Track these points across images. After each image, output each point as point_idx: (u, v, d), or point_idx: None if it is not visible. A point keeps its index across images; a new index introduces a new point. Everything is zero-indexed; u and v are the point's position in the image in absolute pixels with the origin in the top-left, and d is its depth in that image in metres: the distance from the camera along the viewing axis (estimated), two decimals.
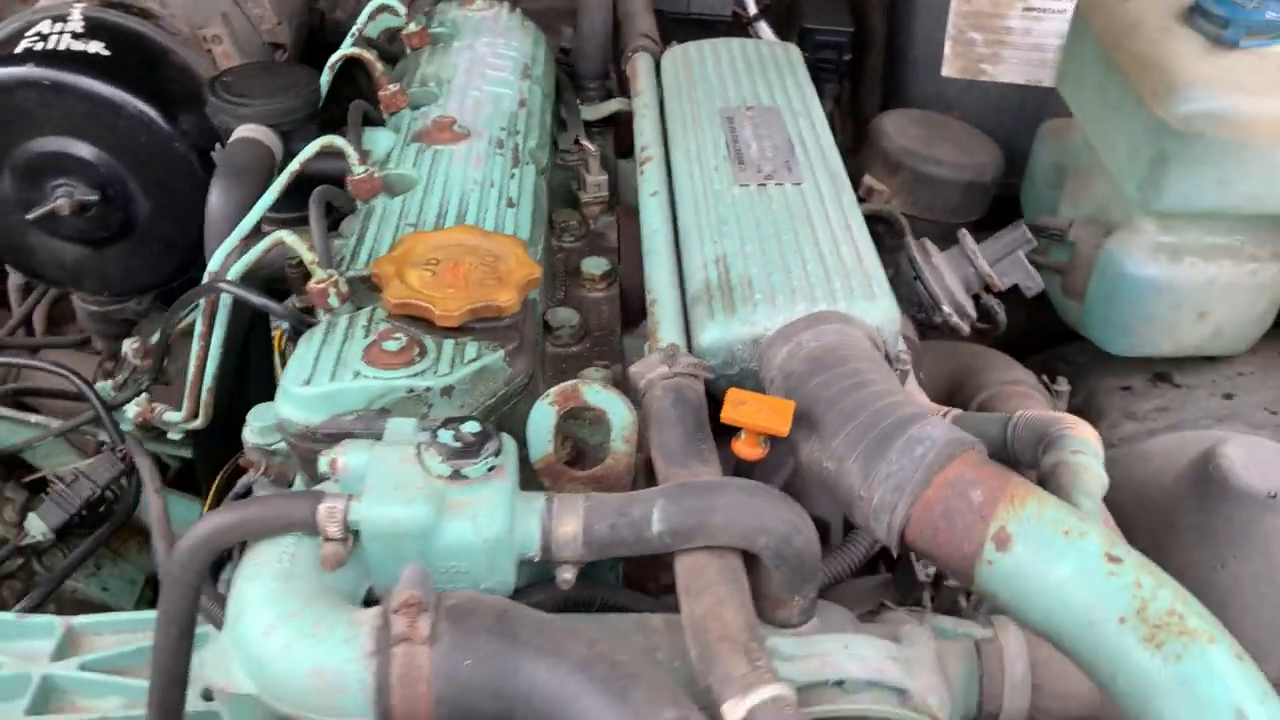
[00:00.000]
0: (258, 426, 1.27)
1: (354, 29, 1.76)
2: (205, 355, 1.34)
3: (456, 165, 1.44)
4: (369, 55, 1.58)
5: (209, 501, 1.40)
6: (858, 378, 1.10)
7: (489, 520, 0.96)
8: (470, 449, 0.97)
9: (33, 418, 1.54)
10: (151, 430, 1.53)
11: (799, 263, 1.28)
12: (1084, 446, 1.20)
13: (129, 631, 1.25)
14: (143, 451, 1.42)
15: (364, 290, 1.23)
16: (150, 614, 1.25)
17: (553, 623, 0.91)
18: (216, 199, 1.32)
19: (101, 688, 1.19)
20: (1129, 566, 0.92)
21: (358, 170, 1.38)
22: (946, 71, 2.15)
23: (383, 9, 1.76)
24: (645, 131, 1.65)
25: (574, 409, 1.13)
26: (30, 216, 1.52)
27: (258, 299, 1.20)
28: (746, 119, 1.59)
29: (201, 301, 1.30)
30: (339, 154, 1.41)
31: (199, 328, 1.32)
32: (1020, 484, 1.00)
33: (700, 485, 1.01)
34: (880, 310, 1.23)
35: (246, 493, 1.31)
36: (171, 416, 1.41)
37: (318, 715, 0.88)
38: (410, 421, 1.06)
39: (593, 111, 1.84)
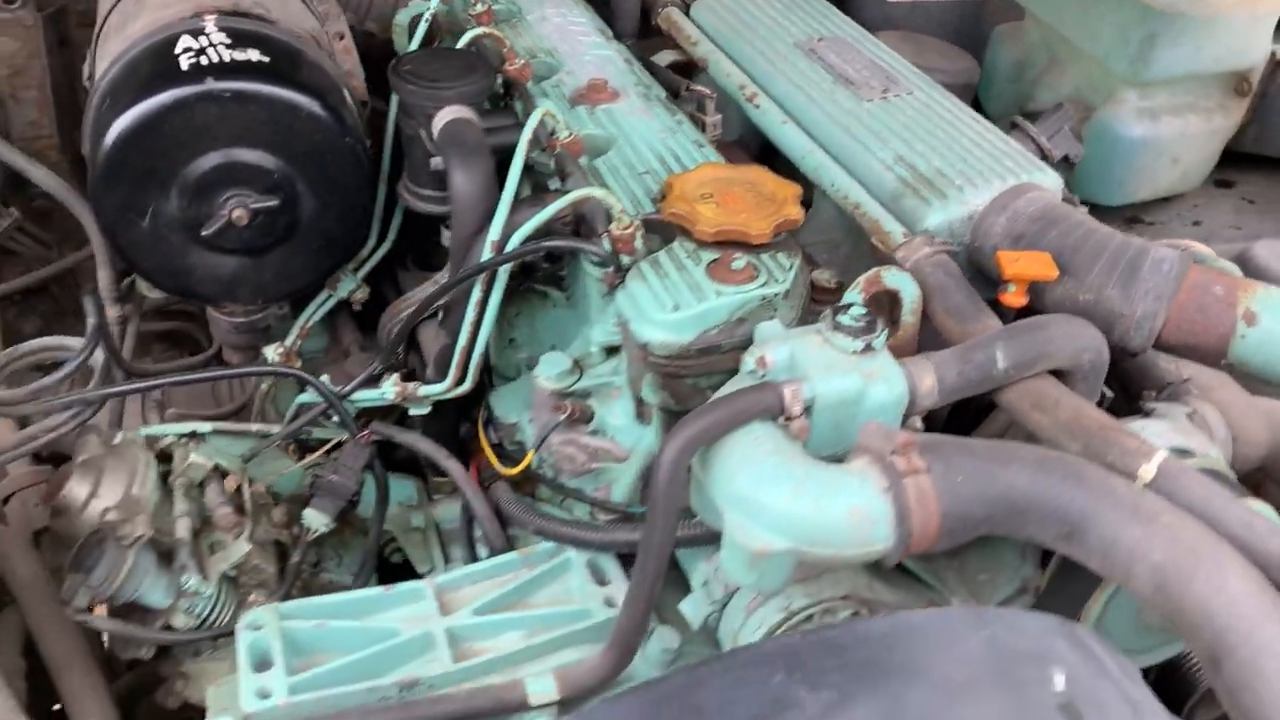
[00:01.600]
0: (555, 374, 1.40)
1: (429, 9, 1.84)
2: (479, 322, 1.43)
3: (634, 120, 1.59)
4: (499, 33, 1.68)
5: (477, 462, 1.49)
6: (1086, 226, 1.38)
7: (896, 381, 1.17)
8: (871, 326, 1.17)
9: (253, 426, 1.55)
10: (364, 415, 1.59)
11: (967, 152, 1.54)
12: (1204, 256, 1.55)
13: (485, 580, 1.36)
14: (415, 434, 1.49)
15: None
16: (487, 563, 1.38)
17: (993, 443, 1.14)
18: (463, 178, 1.41)
19: (497, 626, 1.30)
20: None
21: (564, 135, 1.50)
22: None
23: None
24: (733, 72, 1.84)
25: (875, 293, 1.34)
26: (207, 232, 1.52)
27: (579, 244, 1.33)
28: (826, 49, 1.82)
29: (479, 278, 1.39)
30: (512, 126, 1.53)
31: (476, 294, 1.42)
32: (1243, 278, 1.32)
33: (1029, 325, 1.26)
34: (1051, 178, 1.51)
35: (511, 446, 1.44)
36: (429, 389, 1.49)
37: (852, 549, 1.07)
38: (776, 323, 1.24)
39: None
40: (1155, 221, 2.19)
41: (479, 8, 1.86)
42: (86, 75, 1.76)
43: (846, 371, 1.14)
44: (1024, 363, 1.23)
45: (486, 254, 1.38)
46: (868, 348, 1.16)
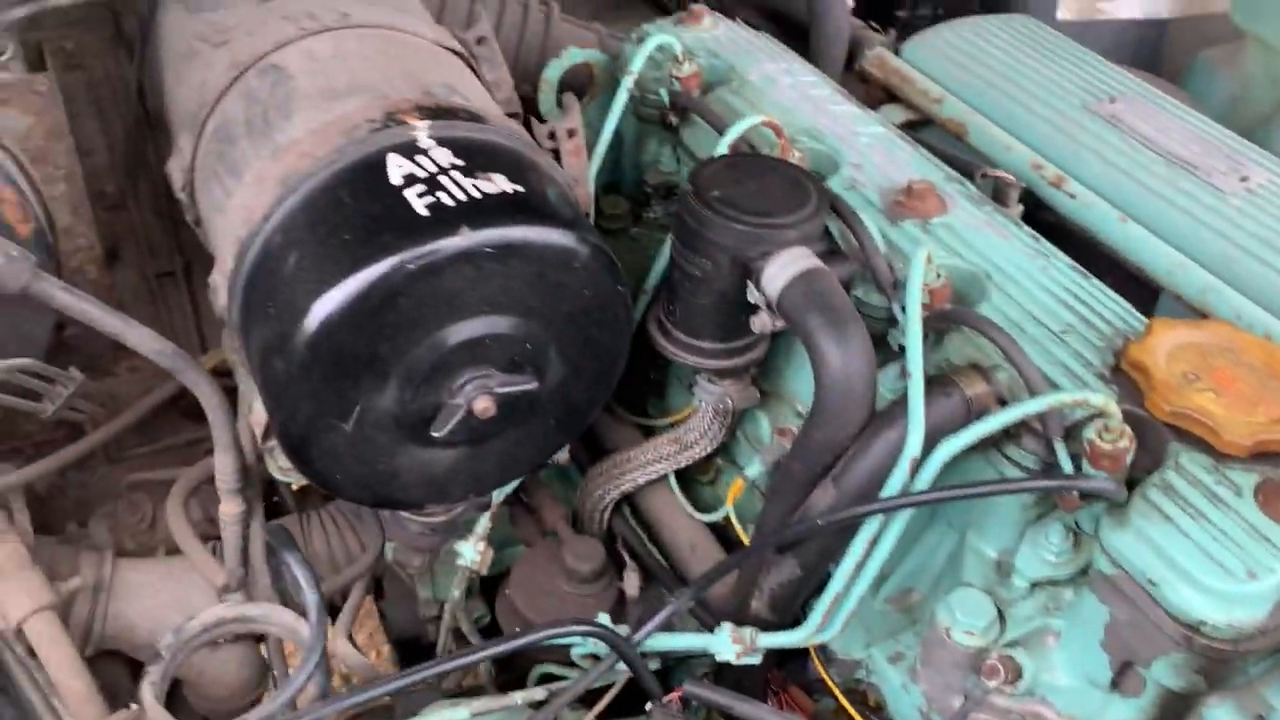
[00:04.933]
0: (979, 626, 1.03)
1: (628, 78, 1.40)
2: (865, 564, 1.03)
3: (986, 241, 1.20)
4: (774, 119, 1.26)
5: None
6: None
7: None
8: None
9: (495, 704, 1.11)
10: None
11: None
12: None
13: None
14: (750, 702, 1.09)
15: None
16: None
17: None
18: (842, 359, 1.00)
19: None
20: None
21: (930, 277, 1.10)
22: (1062, 15, 2.11)
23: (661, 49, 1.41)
24: (1013, 145, 1.47)
25: None
26: (440, 432, 1.07)
27: (1078, 483, 0.94)
28: (1128, 113, 1.46)
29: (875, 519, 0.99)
30: (839, 260, 1.14)
31: (869, 530, 1.01)
32: None
33: None
34: None
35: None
36: (778, 638, 1.08)
37: None
38: None
39: None
40: None
41: (686, 68, 1.42)
42: (180, 186, 1.25)
43: None
44: None
45: (901, 475, 0.98)
46: None
